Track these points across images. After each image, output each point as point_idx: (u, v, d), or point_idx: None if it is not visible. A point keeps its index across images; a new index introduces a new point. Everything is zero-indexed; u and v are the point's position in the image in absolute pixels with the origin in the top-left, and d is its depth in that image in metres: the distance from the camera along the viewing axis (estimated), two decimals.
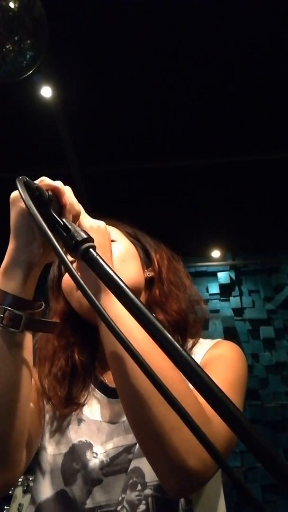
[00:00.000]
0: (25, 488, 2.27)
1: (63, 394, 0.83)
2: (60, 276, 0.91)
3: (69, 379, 0.85)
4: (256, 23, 2.29)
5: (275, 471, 0.41)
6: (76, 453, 0.78)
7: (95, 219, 0.94)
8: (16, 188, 0.56)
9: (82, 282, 0.49)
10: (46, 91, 2.56)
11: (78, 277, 0.49)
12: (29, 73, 1.83)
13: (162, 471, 0.59)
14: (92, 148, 3.13)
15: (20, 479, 2.31)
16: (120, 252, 0.88)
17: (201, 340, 0.90)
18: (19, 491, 2.28)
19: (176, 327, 0.86)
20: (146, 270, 0.94)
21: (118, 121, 2.91)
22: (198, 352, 0.85)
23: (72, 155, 3.04)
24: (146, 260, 0.96)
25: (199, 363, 0.46)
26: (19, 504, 2.24)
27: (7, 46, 1.68)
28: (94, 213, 0.88)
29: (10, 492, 2.32)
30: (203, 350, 0.85)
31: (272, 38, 2.37)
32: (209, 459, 0.58)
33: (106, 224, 0.94)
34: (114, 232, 0.93)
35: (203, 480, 0.60)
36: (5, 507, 2.31)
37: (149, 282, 0.93)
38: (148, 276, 0.93)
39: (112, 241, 0.90)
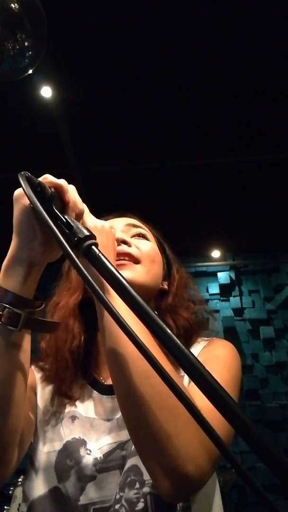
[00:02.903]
0: None
1: (66, 377, 0.84)
2: None
3: (75, 361, 0.86)
4: (256, 23, 2.29)
5: (276, 468, 0.41)
6: (69, 450, 0.78)
7: (128, 213, 0.96)
8: (19, 184, 0.56)
9: (87, 274, 0.49)
10: (46, 91, 2.56)
11: (83, 269, 0.49)
12: (29, 73, 1.82)
13: (158, 476, 0.59)
14: (92, 148, 3.14)
15: (20, 479, 2.31)
16: (153, 251, 0.91)
17: (198, 339, 0.90)
18: (19, 491, 2.28)
19: (183, 333, 0.87)
20: (162, 281, 0.96)
21: (118, 121, 2.91)
22: (193, 351, 0.85)
23: (72, 155, 3.04)
24: (166, 273, 0.98)
25: None
26: (19, 504, 2.23)
27: (7, 45, 1.68)
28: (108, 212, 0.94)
29: (10, 492, 2.32)
30: (198, 349, 0.86)
31: (273, 37, 2.37)
32: (206, 464, 0.59)
33: (143, 224, 0.98)
34: (149, 234, 0.97)
35: (199, 485, 0.61)
36: (5, 507, 2.31)
37: (160, 293, 0.95)
38: (162, 287, 0.95)
39: (146, 238, 0.94)
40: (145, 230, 0.96)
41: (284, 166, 3.26)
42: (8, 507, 2.27)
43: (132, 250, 0.86)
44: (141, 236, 0.94)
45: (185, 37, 2.36)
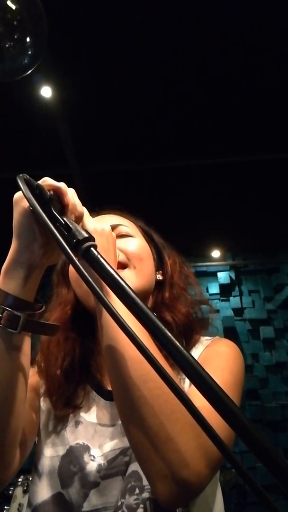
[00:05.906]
0: (25, 488, 2.27)
1: (64, 392, 0.83)
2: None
3: (70, 378, 0.84)
4: (256, 23, 2.29)
5: (275, 469, 0.41)
6: (73, 456, 0.77)
7: (105, 211, 0.94)
8: (17, 186, 0.56)
9: (87, 275, 0.49)
10: (46, 91, 2.56)
11: (83, 270, 0.49)
12: (29, 73, 1.82)
13: (156, 481, 0.59)
14: (92, 148, 3.13)
15: (20, 479, 2.31)
16: (139, 248, 0.88)
17: (200, 338, 0.89)
18: (19, 491, 2.29)
19: (183, 330, 0.86)
20: (156, 272, 0.93)
21: (118, 121, 2.91)
22: (196, 351, 0.84)
23: (72, 155, 3.04)
24: (158, 262, 0.96)
25: None
26: (19, 504, 2.24)
27: (7, 45, 1.68)
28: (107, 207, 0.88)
29: (10, 492, 2.32)
30: (201, 349, 0.85)
31: (272, 37, 2.37)
32: (204, 469, 0.58)
33: (124, 218, 0.95)
34: (132, 228, 0.94)
35: (197, 491, 0.59)
36: (5, 507, 2.31)
37: (157, 285, 0.93)
38: (158, 279, 0.93)
39: (130, 236, 0.91)
40: (126, 227, 0.92)
41: (284, 166, 3.26)
42: (8, 507, 2.28)
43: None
44: (124, 235, 0.90)
45: (186, 37, 2.36)
